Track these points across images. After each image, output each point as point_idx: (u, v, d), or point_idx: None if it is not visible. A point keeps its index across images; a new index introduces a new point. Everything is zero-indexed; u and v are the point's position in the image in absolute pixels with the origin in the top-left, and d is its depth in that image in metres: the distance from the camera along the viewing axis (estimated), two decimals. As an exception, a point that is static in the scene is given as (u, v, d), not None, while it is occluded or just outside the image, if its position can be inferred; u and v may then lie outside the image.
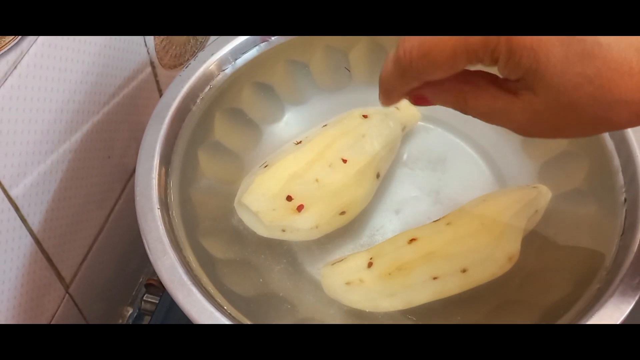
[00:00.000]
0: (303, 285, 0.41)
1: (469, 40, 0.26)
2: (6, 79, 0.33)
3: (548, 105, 0.26)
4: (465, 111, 0.30)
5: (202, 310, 0.33)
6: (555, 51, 0.25)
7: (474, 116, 0.30)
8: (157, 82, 0.51)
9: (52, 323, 0.45)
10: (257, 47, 0.45)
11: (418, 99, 0.31)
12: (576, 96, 0.25)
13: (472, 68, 0.29)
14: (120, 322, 0.56)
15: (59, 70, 0.38)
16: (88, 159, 0.44)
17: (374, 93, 0.49)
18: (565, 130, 0.28)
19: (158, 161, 0.39)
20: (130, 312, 0.57)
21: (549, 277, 0.40)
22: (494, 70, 0.28)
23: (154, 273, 0.35)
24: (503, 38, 0.25)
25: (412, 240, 0.39)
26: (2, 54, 0.33)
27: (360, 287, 0.38)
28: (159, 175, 0.39)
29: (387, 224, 0.44)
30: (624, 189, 0.39)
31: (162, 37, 0.49)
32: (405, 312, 0.39)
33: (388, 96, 0.31)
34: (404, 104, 0.47)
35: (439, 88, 0.30)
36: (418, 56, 0.27)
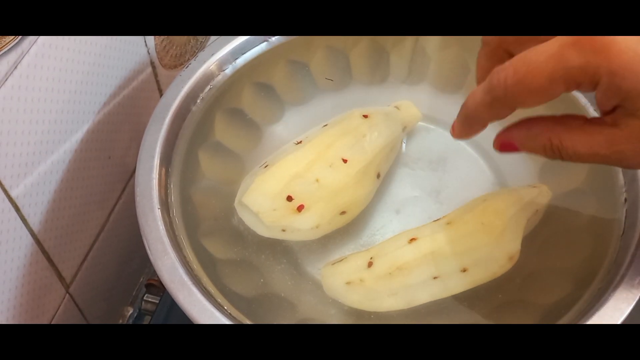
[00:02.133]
0: (303, 285, 0.41)
1: (567, 64, 0.25)
2: (6, 79, 0.33)
3: None
4: (560, 154, 0.29)
5: (203, 311, 0.33)
6: None
7: (571, 159, 0.29)
8: (158, 82, 0.51)
9: (52, 323, 0.45)
10: (257, 47, 0.45)
11: (505, 145, 0.30)
12: None
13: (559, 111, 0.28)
14: (120, 322, 0.56)
15: (59, 70, 0.38)
16: (88, 159, 0.44)
17: (375, 93, 0.49)
18: None
19: (158, 161, 0.39)
20: (130, 312, 0.56)
21: (550, 276, 0.40)
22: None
23: (155, 273, 0.35)
24: (604, 61, 0.25)
25: (412, 239, 0.39)
26: (3, 54, 0.33)
27: (360, 287, 0.38)
28: (160, 175, 0.39)
29: (387, 223, 0.44)
30: (624, 189, 0.39)
31: (162, 37, 0.49)
32: (405, 312, 0.39)
33: (470, 126, 0.31)
34: (405, 103, 0.47)
35: (529, 132, 0.29)
36: (513, 83, 0.27)
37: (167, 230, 0.36)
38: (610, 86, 0.25)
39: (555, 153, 0.29)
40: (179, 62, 0.53)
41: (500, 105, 0.28)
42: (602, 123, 0.28)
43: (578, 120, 0.29)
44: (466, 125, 0.31)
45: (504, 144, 0.31)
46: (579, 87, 0.26)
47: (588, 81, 0.26)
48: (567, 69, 0.25)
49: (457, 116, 0.31)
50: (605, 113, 0.28)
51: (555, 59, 0.26)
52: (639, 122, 0.26)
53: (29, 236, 0.40)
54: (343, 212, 0.41)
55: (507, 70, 0.27)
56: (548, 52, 0.26)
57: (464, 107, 0.30)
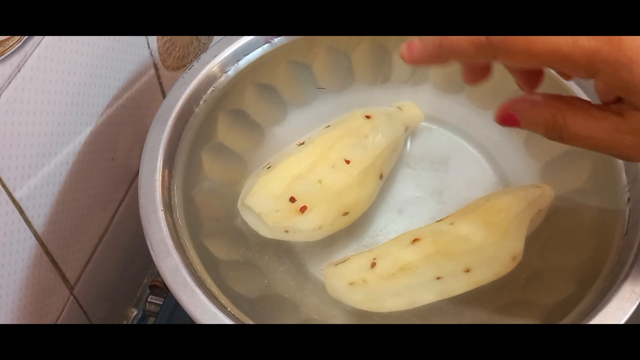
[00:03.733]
0: (306, 286, 0.41)
1: (577, 42, 0.25)
2: (10, 82, 0.34)
3: None
4: (562, 134, 0.28)
5: (206, 312, 0.34)
6: None
7: (571, 142, 0.28)
8: (160, 84, 0.51)
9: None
10: (259, 49, 0.46)
11: (506, 118, 0.29)
12: None
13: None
14: (124, 323, 0.56)
15: (62, 72, 0.38)
16: (92, 161, 0.44)
17: (377, 94, 0.49)
18: None
19: (161, 163, 0.39)
20: (134, 314, 0.57)
21: (553, 276, 0.40)
22: None
23: (158, 274, 0.35)
24: (614, 50, 0.24)
25: (415, 240, 0.39)
26: (6, 57, 0.33)
27: (363, 288, 0.38)
28: (163, 177, 0.39)
29: (390, 224, 0.44)
30: (627, 188, 0.39)
31: (165, 39, 0.49)
32: (408, 313, 0.39)
33: (438, 52, 0.28)
34: (407, 104, 0.47)
35: (533, 105, 0.29)
36: (515, 38, 0.25)
37: (170, 232, 0.36)
38: (613, 77, 0.25)
39: (556, 131, 0.28)
40: (182, 64, 0.53)
41: (487, 49, 0.26)
42: (608, 110, 0.27)
43: (584, 103, 0.28)
44: (435, 49, 0.28)
45: (505, 117, 0.29)
46: (574, 67, 0.25)
47: (586, 66, 0.25)
48: (575, 44, 0.25)
49: (428, 38, 0.28)
50: (606, 103, 0.28)
51: (568, 38, 0.25)
52: None
53: (33, 238, 0.40)
54: (346, 213, 0.41)
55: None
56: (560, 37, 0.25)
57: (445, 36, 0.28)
